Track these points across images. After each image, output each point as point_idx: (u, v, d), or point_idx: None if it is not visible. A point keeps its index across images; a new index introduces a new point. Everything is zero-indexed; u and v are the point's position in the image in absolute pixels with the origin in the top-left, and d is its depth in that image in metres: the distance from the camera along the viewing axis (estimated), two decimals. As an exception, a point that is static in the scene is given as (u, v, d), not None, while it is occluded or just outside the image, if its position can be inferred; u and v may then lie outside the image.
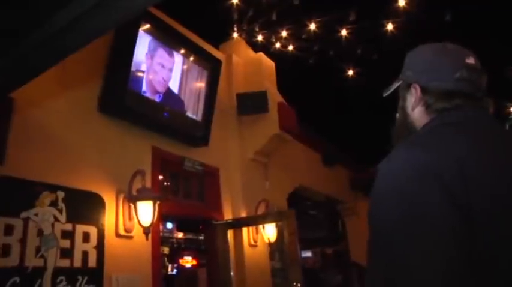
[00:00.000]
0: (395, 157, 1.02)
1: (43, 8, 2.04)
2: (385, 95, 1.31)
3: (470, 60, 1.14)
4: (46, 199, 3.03)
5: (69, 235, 3.13)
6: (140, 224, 3.59)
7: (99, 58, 3.74)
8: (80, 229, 3.21)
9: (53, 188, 3.10)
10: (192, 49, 4.62)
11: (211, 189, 5.01)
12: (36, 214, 2.94)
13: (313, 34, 5.74)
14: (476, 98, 1.13)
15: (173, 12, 4.53)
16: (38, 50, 2.24)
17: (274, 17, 5.54)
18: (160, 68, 4.16)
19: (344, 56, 6.19)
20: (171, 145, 4.42)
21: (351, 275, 7.57)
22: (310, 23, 5.65)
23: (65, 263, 3.04)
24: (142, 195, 3.62)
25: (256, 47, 6.15)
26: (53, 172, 3.16)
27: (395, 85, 1.27)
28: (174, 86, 4.38)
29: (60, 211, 3.10)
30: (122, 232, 3.56)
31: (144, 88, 3.96)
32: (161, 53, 4.17)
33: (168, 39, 4.26)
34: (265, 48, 6.13)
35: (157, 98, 4.14)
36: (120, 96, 3.73)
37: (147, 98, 4.00)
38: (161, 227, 4.78)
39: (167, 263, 7.62)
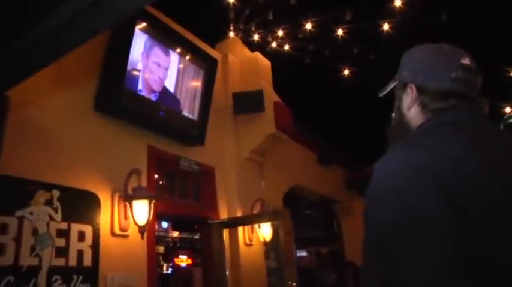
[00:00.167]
0: (391, 157, 1.02)
1: (39, 6, 2.03)
2: (381, 95, 1.31)
3: (466, 61, 1.15)
4: (41, 197, 3.02)
5: (64, 233, 3.12)
6: (136, 223, 3.58)
7: (95, 57, 3.73)
8: (75, 227, 3.20)
9: (48, 187, 3.08)
10: (188, 48, 4.62)
11: (207, 188, 5.01)
12: (31, 213, 2.93)
13: (309, 34, 5.76)
14: (472, 98, 1.14)
15: (169, 10, 4.52)
16: (34, 49, 2.23)
17: (270, 17, 5.55)
18: (156, 67, 4.15)
19: (340, 56, 6.21)
20: (167, 144, 4.41)
21: (346, 275, 7.58)
22: (307, 22, 5.66)
23: (60, 262, 3.03)
24: (138, 194, 3.62)
25: (252, 46, 6.16)
26: (49, 171, 3.15)
27: (392, 85, 1.27)
28: (170, 85, 4.37)
29: (56, 210, 3.09)
30: (117, 231, 3.55)
31: (140, 87, 3.95)
32: (157, 52, 4.17)
33: (164, 38, 4.25)
34: (261, 47, 6.13)
35: (153, 97, 4.13)
36: (116, 95, 3.72)
37: (143, 97, 3.99)
38: (156, 226, 4.77)
39: (162, 262, 7.60)
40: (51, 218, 3.05)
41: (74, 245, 3.16)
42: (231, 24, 6.06)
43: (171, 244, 7.85)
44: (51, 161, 3.21)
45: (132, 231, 3.65)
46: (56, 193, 3.11)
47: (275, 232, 5.18)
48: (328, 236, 9.58)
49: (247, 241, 5.10)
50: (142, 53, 3.96)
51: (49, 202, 3.06)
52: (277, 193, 6.08)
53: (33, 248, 2.88)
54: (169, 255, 7.82)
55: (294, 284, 4.49)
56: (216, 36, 6.08)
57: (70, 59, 2.84)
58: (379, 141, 1.37)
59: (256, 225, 5.18)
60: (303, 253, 9.35)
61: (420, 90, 1.17)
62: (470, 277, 0.85)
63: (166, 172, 4.62)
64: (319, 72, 6.48)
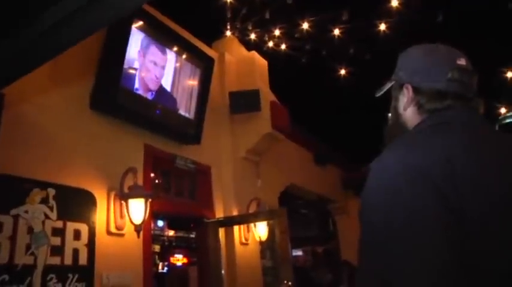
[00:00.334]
0: (387, 157, 1.02)
1: (36, 3, 2.02)
2: (377, 95, 1.32)
3: (462, 62, 1.16)
4: (37, 196, 3.01)
5: (59, 232, 3.11)
6: (131, 222, 3.58)
7: (92, 55, 3.72)
8: (71, 226, 3.19)
9: (44, 185, 3.07)
10: (184, 47, 4.61)
11: (202, 187, 5.01)
12: (27, 211, 2.92)
13: (306, 33, 5.76)
14: (467, 99, 1.14)
15: (166, 9, 4.51)
16: (31, 46, 2.22)
17: (267, 16, 5.54)
18: (152, 65, 4.15)
19: (337, 56, 6.21)
20: (163, 143, 4.41)
21: (342, 274, 7.59)
22: (303, 22, 5.67)
23: (55, 260, 3.02)
24: (133, 193, 3.61)
25: (249, 45, 6.15)
26: (44, 169, 3.14)
27: (388, 85, 1.28)
28: (167, 84, 4.37)
29: (51, 209, 3.08)
30: (113, 229, 3.54)
31: (136, 85, 3.94)
32: (154, 51, 4.16)
33: (161, 36, 4.25)
34: (258, 46, 6.13)
35: (149, 96, 4.12)
36: (113, 94, 3.71)
37: (139, 95, 3.99)
38: (152, 225, 4.76)
39: (158, 261, 7.60)
40: (47, 216, 3.04)
41: (70, 243, 3.15)
42: (228, 23, 6.06)
43: (166, 243, 7.86)
44: (47, 160, 3.20)
45: (128, 230, 3.65)
46: (51, 192, 3.10)
47: (271, 231, 5.19)
48: (323, 236, 9.60)
49: (243, 240, 5.10)
50: (139, 51, 3.96)
51: (44, 201, 3.05)
52: (273, 193, 6.09)
53: (28, 247, 2.87)
54: (165, 254, 7.83)
55: (290, 283, 4.50)
56: (212, 35, 6.07)
57: (66, 57, 2.83)
58: (375, 141, 1.38)
59: (252, 224, 5.18)
60: (299, 252, 9.38)
61: (416, 90, 1.18)
62: (467, 280, 0.86)
63: (163, 170, 4.62)
64: (315, 72, 6.49)
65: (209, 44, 5.75)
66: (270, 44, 6.17)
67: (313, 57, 6.13)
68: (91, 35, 2.25)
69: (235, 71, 5.82)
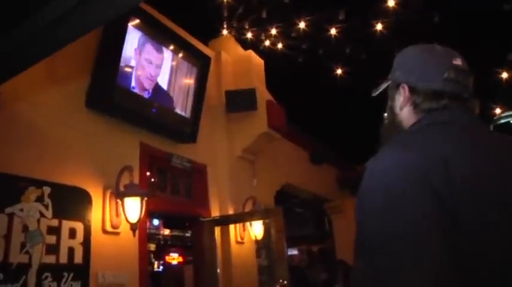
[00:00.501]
0: (383, 157, 1.02)
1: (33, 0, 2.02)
2: (374, 94, 1.32)
3: (458, 62, 1.16)
4: (32, 194, 2.99)
5: (55, 231, 3.10)
6: (127, 221, 3.57)
7: (88, 53, 3.70)
8: (67, 225, 3.18)
9: (39, 183, 3.06)
10: (181, 45, 4.60)
11: (198, 186, 5.01)
12: (22, 210, 2.90)
13: (303, 33, 5.76)
14: (463, 99, 1.15)
15: (163, 8, 4.50)
16: (27, 43, 2.21)
17: (264, 15, 5.55)
18: (147, 64, 4.13)
19: (333, 55, 6.22)
20: (159, 141, 4.40)
21: (337, 273, 7.61)
22: (300, 21, 5.67)
23: (50, 259, 3.01)
24: (129, 191, 3.60)
25: (245, 44, 6.15)
26: (39, 167, 3.13)
27: (384, 85, 1.28)
28: (163, 82, 4.36)
29: (46, 207, 3.07)
30: (108, 228, 3.54)
31: (133, 84, 3.93)
32: (149, 49, 4.14)
33: (157, 35, 4.23)
34: (254, 45, 6.13)
35: (146, 94, 4.11)
36: (109, 92, 3.70)
37: (135, 94, 3.98)
38: (148, 223, 4.76)
39: (153, 260, 7.59)
40: (42, 215, 3.03)
41: (65, 242, 3.14)
42: (225, 22, 6.06)
43: (162, 242, 7.84)
44: (42, 158, 3.19)
45: (124, 228, 3.64)
46: (46, 190, 3.09)
47: (266, 230, 5.19)
48: (319, 235, 9.62)
49: (239, 239, 5.10)
50: (136, 49, 3.94)
51: (40, 199, 3.04)
52: (269, 192, 6.09)
53: (23, 245, 2.86)
54: (161, 253, 7.82)
55: (285, 282, 4.50)
56: (209, 34, 6.07)
57: (62, 55, 2.83)
58: (371, 140, 1.38)
59: (247, 223, 5.18)
60: (294, 251, 9.37)
61: (412, 90, 1.18)
62: (463, 283, 0.86)
63: (158, 169, 4.61)
64: (312, 72, 6.49)
65: (206, 43, 5.74)
66: (267, 43, 6.17)
67: (310, 56, 6.13)
68: (90, 32, 2.24)
69: (231, 70, 5.81)
